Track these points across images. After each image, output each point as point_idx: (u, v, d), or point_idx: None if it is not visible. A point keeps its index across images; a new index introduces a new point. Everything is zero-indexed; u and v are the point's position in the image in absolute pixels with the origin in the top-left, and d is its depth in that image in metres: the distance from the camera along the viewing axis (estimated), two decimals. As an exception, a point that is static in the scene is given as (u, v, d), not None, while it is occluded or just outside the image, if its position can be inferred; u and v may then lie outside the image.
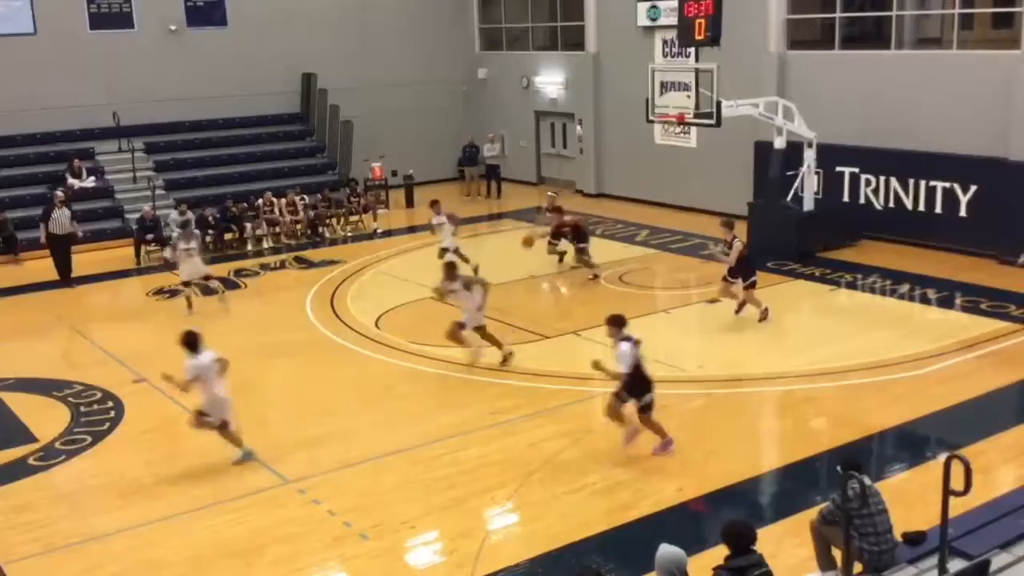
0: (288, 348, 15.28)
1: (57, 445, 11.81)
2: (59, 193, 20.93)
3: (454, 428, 11.86)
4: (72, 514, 10.15)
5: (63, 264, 19.84)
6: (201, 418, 10.98)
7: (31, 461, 11.37)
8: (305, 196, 23.85)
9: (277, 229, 23.21)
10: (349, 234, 23.57)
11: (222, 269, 20.49)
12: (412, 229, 24.23)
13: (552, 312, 17.52)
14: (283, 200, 23.49)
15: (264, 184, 24.77)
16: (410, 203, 27.05)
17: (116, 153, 25.26)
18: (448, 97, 30.38)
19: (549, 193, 21.01)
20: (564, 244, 19.21)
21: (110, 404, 13.11)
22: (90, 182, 24.16)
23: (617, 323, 10.74)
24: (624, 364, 10.56)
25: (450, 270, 14.23)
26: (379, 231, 23.86)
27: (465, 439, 11.55)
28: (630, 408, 10.84)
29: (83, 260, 20.57)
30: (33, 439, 11.97)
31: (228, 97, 26.74)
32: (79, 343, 16.05)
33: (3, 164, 24.10)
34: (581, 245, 18.72)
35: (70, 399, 13.32)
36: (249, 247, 22.68)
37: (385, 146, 27.62)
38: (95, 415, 12.77)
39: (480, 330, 13.83)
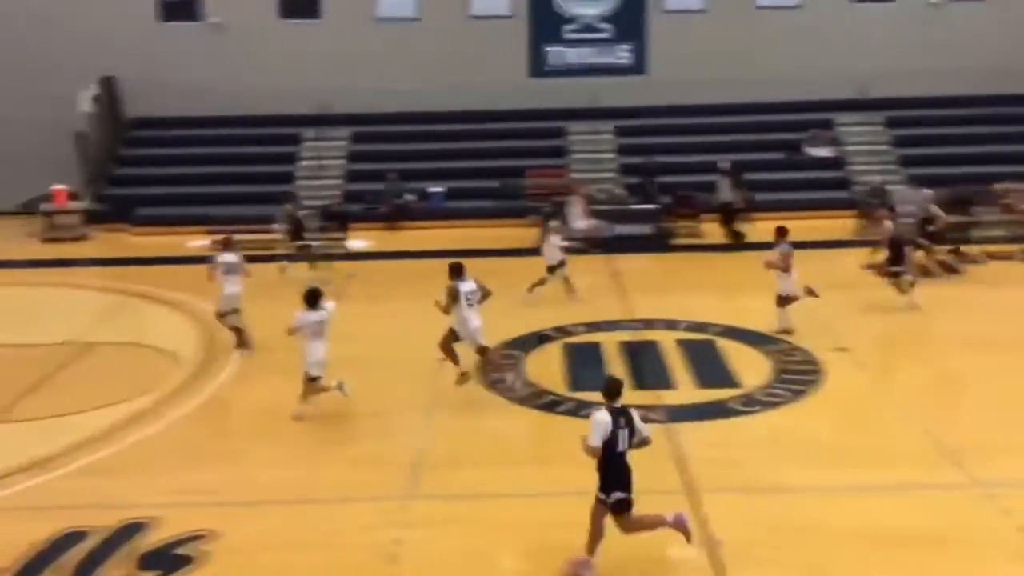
0: (1003, 343, 14.33)
1: (756, 395, 12.61)
2: (721, 164, 22.52)
3: None
4: (756, 461, 10.69)
5: (728, 230, 21.96)
6: None
7: (731, 404, 12.33)
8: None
9: (1012, 217, 21.72)
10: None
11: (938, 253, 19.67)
12: None
13: None
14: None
15: (1005, 168, 23.25)
16: None
17: (856, 125, 25.70)
18: None
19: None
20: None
21: (812, 367, 13.55)
22: (826, 151, 25.01)
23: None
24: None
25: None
26: None
27: None
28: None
29: (804, 227, 21.16)
30: (737, 384, 12.94)
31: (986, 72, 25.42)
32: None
33: (734, 129, 25.75)
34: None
35: (775, 355, 14.07)
36: (977, 233, 21.50)
37: None
38: (797, 375, 13.31)
39: None
